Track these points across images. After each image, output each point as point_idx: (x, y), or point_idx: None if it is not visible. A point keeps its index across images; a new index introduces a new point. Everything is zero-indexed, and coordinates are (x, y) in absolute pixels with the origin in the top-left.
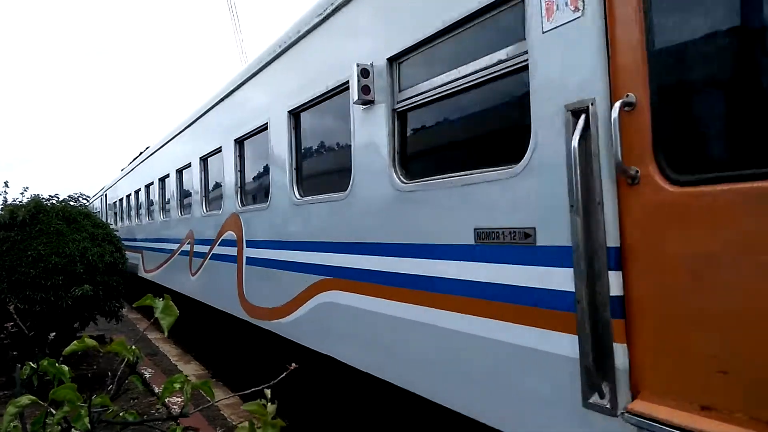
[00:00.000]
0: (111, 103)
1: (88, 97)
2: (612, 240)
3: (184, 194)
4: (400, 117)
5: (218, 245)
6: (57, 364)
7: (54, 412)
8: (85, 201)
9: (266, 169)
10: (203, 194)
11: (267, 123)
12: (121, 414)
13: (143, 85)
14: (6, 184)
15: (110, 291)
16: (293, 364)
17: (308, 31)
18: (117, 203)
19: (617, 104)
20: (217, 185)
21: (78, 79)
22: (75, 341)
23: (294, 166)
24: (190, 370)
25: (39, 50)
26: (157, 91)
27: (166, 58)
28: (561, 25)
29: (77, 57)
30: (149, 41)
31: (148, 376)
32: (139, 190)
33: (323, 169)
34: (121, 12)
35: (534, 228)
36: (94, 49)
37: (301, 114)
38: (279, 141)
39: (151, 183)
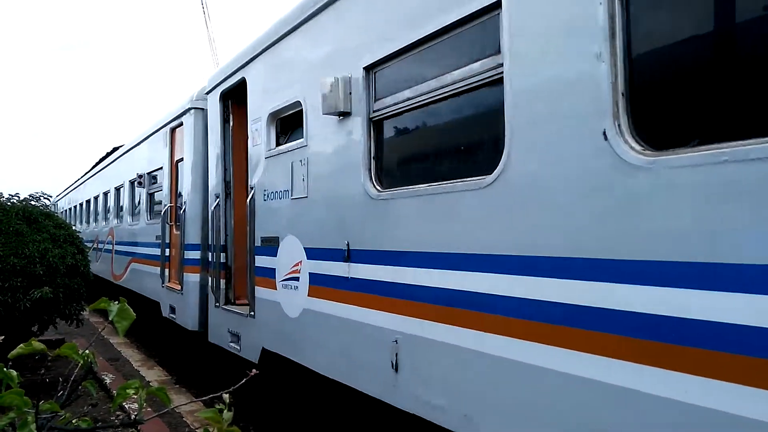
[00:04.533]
0: (75, 102)
1: (52, 95)
2: None
3: None
4: None
5: None
6: (5, 369)
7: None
8: (46, 200)
9: None
10: None
11: None
12: (74, 421)
13: (108, 84)
14: None
15: (71, 293)
16: (254, 370)
17: None
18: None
19: None
20: None
21: (40, 74)
22: (22, 344)
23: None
24: (153, 375)
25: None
26: (122, 93)
27: (133, 58)
28: None
29: (40, 52)
30: (118, 39)
31: (108, 381)
32: None
33: None
34: (89, 7)
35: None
36: (59, 45)
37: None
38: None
39: None
